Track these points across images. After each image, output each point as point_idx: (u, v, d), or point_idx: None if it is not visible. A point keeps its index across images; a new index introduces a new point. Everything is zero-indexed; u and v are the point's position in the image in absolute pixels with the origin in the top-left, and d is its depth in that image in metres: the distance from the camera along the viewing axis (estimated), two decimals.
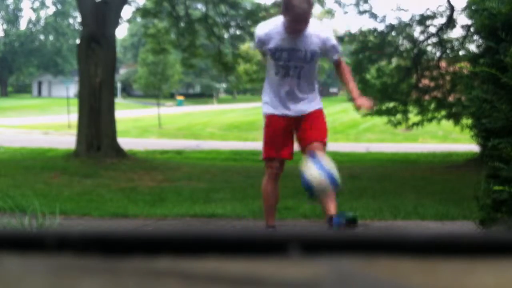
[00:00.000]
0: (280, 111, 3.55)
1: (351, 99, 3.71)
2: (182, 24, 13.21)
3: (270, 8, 13.12)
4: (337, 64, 3.57)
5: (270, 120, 3.58)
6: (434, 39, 12.13)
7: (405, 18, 15.83)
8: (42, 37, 59.99)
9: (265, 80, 3.69)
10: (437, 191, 6.79)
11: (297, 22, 3.32)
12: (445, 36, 11.98)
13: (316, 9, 14.54)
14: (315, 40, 3.42)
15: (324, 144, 3.55)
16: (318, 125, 3.57)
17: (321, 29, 3.49)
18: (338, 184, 3.28)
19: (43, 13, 60.10)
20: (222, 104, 45.96)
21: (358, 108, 3.59)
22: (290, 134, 3.60)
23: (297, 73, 3.48)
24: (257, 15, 12.97)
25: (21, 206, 4.19)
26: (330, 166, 3.27)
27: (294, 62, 3.45)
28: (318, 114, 3.59)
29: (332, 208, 3.34)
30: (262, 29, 3.53)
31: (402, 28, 12.20)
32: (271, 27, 3.48)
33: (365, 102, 3.50)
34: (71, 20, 59.74)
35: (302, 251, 0.45)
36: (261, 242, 0.46)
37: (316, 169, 3.23)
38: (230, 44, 14.00)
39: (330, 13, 13.99)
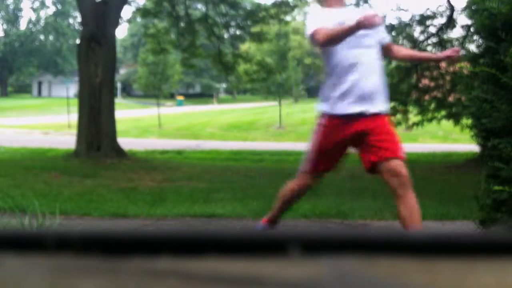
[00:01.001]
0: (341, 109, 2.96)
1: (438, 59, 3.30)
2: (182, 24, 13.21)
3: (270, 8, 13.12)
4: (390, 46, 3.20)
5: (326, 125, 3.03)
6: (434, 39, 12.14)
7: (405, 18, 15.85)
8: (42, 37, 60.00)
9: (326, 82, 3.09)
10: (437, 191, 6.78)
11: None
12: (445, 36, 11.98)
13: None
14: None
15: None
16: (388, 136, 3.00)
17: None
18: None
19: (43, 13, 60.13)
20: (222, 104, 45.95)
21: (447, 58, 3.15)
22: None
23: (367, 60, 2.98)
24: (257, 15, 12.97)
25: (21, 206, 4.19)
26: None
27: (364, 48, 2.99)
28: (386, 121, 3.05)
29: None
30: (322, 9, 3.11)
31: (402, 28, 12.20)
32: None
33: (449, 52, 3.11)
34: (71, 20, 59.77)
35: (302, 251, 0.45)
36: (261, 242, 0.46)
37: None
38: (230, 44, 14.00)
39: None
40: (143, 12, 13.20)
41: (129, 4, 13.25)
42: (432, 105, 11.98)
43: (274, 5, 13.08)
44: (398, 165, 2.88)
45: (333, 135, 3.00)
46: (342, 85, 2.94)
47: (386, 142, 2.92)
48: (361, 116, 2.93)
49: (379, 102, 2.96)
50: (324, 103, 3.03)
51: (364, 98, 2.92)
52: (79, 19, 37.43)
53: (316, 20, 3.00)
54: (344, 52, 2.95)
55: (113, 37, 10.39)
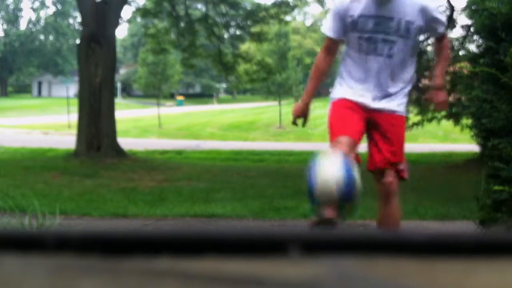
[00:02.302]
0: (355, 97, 2.71)
1: (433, 86, 2.91)
2: (182, 24, 13.21)
3: (270, 8, 13.12)
4: (440, 39, 2.84)
5: (338, 103, 2.75)
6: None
7: None
8: (42, 37, 59.98)
9: (340, 69, 2.84)
10: (437, 191, 6.79)
11: None
12: None
13: (316, 9, 14.54)
14: (412, 8, 2.63)
15: (398, 170, 2.75)
16: (395, 137, 2.73)
17: None
18: (352, 198, 2.43)
19: (43, 13, 60.11)
20: (222, 104, 45.94)
21: (426, 100, 2.93)
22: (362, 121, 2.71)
23: (388, 50, 2.65)
24: (257, 15, 12.98)
25: (21, 206, 4.18)
26: (357, 176, 2.43)
27: (383, 35, 2.64)
28: (400, 123, 2.76)
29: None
30: (340, 1, 2.72)
31: None
32: None
33: (440, 97, 2.83)
34: (71, 20, 59.74)
35: (302, 251, 0.45)
36: (261, 242, 0.46)
37: (337, 169, 2.37)
38: (230, 44, 14.00)
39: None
40: (143, 12, 13.20)
41: (129, 4, 13.26)
42: (432, 105, 11.98)
43: (274, 5, 13.08)
44: (388, 174, 2.74)
45: (349, 104, 2.73)
46: (352, 77, 2.76)
47: (387, 145, 2.74)
48: (365, 107, 2.72)
49: (385, 101, 2.72)
50: (335, 88, 2.83)
51: (369, 92, 2.72)
52: (79, 19, 37.46)
53: (329, 17, 2.78)
54: (364, 36, 2.67)
55: (113, 37, 10.39)
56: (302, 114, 2.84)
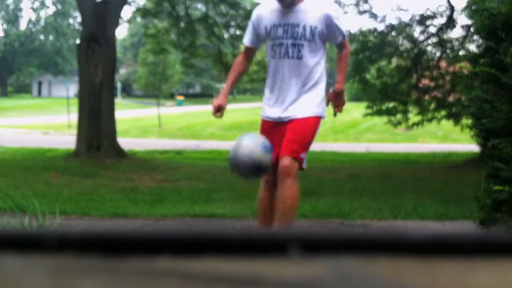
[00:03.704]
0: (269, 113, 3.14)
1: (333, 91, 3.22)
2: (182, 24, 13.21)
3: None
4: (341, 48, 3.16)
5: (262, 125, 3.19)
6: (434, 39, 12.14)
7: (405, 18, 15.83)
8: (42, 37, 59.99)
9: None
10: (437, 191, 6.79)
11: None
12: (445, 36, 11.99)
13: None
14: (315, 15, 3.02)
15: (298, 159, 2.99)
16: (299, 132, 3.05)
17: (321, 6, 3.07)
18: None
19: (43, 13, 60.12)
20: None
21: (328, 100, 3.21)
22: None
23: (297, 52, 3.02)
24: None
25: (21, 206, 4.19)
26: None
27: (293, 40, 3.02)
28: (302, 121, 3.05)
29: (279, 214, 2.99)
30: (254, 13, 3.19)
31: (402, 28, 12.21)
32: (264, 7, 3.16)
33: (339, 100, 3.16)
34: (71, 20, 59.75)
35: (302, 251, 0.45)
36: (261, 242, 0.46)
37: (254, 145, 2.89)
38: (230, 44, 14.00)
39: None
40: (143, 12, 13.20)
41: (129, 4, 13.26)
42: (432, 105, 11.98)
43: None
44: (282, 159, 2.98)
45: (266, 126, 3.21)
46: (268, 86, 3.19)
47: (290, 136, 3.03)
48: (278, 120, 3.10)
49: (293, 106, 3.06)
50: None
51: (279, 103, 3.11)
52: (79, 19, 37.44)
53: (258, 10, 3.20)
54: (276, 42, 3.08)
55: (113, 37, 10.39)
56: (222, 106, 3.15)
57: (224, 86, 3.31)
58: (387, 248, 0.46)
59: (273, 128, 3.09)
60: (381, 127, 19.88)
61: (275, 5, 3.05)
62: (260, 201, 3.22)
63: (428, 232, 0.47)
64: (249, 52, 3.30)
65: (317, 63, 3.07)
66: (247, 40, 3.25)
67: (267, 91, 3.18)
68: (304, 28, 3.00)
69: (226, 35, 14.04)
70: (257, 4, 14.54)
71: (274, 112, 3.10)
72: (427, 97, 12.04)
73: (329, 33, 3.05)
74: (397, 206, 5.26)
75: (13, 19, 59.52)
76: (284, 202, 2.98)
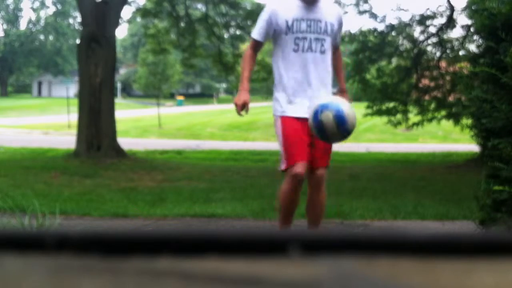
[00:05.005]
0: (298, 113, 3.10)
1: (339, 90, 3.35)
2: (182, 24, 13.21)
3: None
4: (336, 48, 3.29)
5: (287, 123, 3.14)
6: (434, 39, 12.14)
7: (405, 18, 15.83)
8: (42, 37, 59.99)
9: (275, 73, 3.23)
10: (437, 191, 6.79)
11: None
12: (445, 36, 11.99)
13: None
14: (332, 12, 3.17)
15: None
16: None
17: (334, 4, 3.18)
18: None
19: (43, 13, 60.12)
20: (222, 104, 45.92)
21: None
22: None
23: (320, 46, 3.11)
24: (257, 15, 12.96)
25: (21, 206, 4.19)
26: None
27: (316, 34, 3.10)
28: None
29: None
30: (268, 9, 3.18)
31: (402, 28, 12.20)
32: (277, 3, 3.16)
33: (344, 98, 3.18)
34: (71, 20, 59.76)
35: (302, 251, 0.45)
36: (261, 242, 0.46)
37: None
38: (230, 44, 14.00)
39: None
40: (143, 12, 13.20)
41: (129, 4, 13.26)
42: (432, 105, 11.98)
43: None
44: (320, 169, 3.20)
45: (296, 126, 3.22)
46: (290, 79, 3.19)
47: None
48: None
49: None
50: (278, 101, 3.27)
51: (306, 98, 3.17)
52: (79, 19, 37.43)
53: (259, 23, 3.25)
54: (299, 36, 3.15)
55: (113, 37, 10.39)
56: (247, 102, 3.14)
57: (242, 83, 3.24)
58: (387, 248, 0.46)
59: (303, 125, 3.05)
60: (381, 127, 19.88)
61: (293, 0, 3.12)
62: (288, 202, 3.24)
63: (428, 232, 0.47)
64: (259, 47, 3.32)
65: (330, 58, 3.19)
66: (258, 35, 3.24)
67: (284, 85, 3.14)
68: (325, 24, 3.12)
69: (226, 35, 14.03)
70: (257, 4, 14.55)
71: (302, 110, 3.08)
72: (427, 97, 12.04)
73: (337, 31, 3.21)
74: (397, 206, 5.27)
75: (13, 19, 59.52)
76: (322, 205, 3.28)
